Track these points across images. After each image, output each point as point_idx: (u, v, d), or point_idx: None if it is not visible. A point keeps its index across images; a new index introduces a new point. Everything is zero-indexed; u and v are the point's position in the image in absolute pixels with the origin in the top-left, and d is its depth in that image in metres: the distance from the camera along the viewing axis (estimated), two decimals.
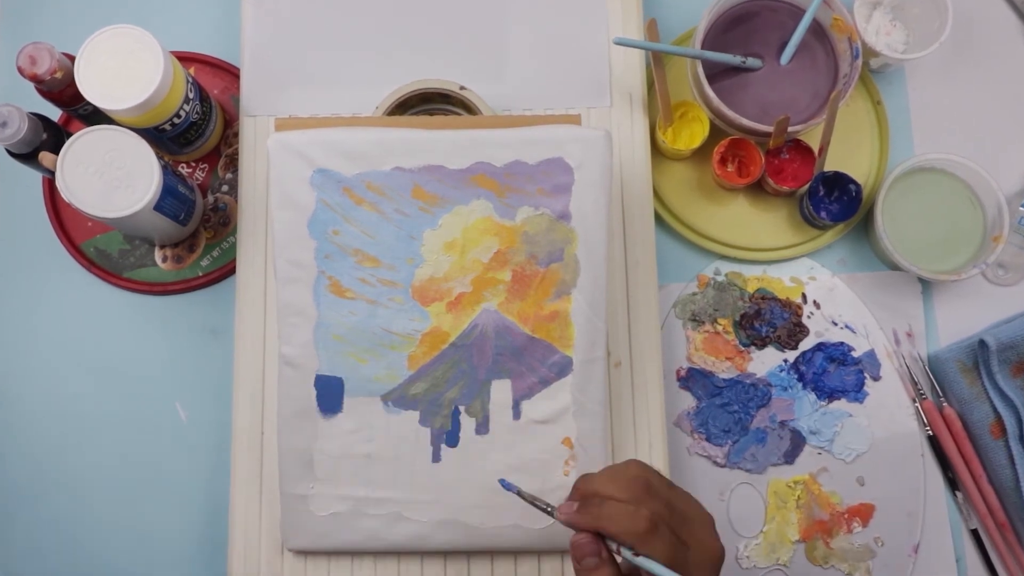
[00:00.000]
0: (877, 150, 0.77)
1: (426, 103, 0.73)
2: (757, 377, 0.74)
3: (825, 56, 0.74)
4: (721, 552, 0.51)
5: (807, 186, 0.73)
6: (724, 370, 0.74)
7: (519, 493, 0.56)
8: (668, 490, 0.51)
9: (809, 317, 0.75)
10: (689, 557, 0.49)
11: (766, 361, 0.74)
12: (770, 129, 0.70)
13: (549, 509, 0.54)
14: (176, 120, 0.69)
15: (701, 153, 0.75)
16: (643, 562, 0.48)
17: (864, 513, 0.73)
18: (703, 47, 0.72)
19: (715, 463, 0.73)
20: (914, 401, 0.74)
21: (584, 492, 0.52)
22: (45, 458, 0.74)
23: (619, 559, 0.51)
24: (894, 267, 0.75)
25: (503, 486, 0.56)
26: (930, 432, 0.74)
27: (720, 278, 0.76)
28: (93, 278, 0.76)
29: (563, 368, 0.64)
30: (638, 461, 0.52)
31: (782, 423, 0.73)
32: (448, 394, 0.64)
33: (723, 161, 0.73)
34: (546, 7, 0.74)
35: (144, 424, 0.74)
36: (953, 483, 0.73)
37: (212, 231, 0.76)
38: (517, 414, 0.64)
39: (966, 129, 0.78)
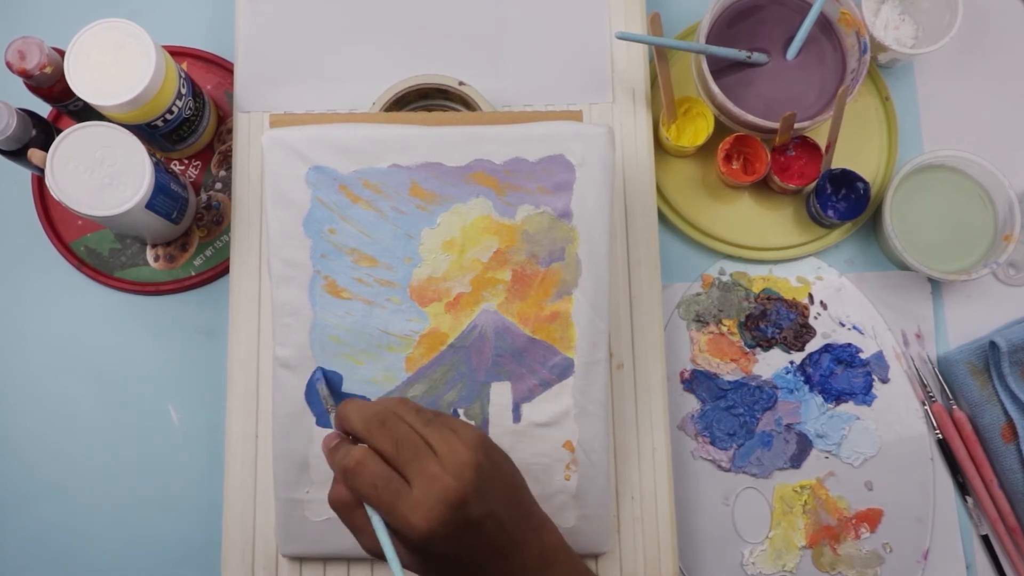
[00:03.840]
0: (885, 147, 0.77)
1: (424, 99, 0.73)
2: (763, 379, 0.74)
3: (832, 51, 0.74)
4: (453, 489, 0.48)
5: (814, 184, 0.73)
6: (729, 372, 0.74)
7: (318, 387, 0.60)
8: (407, 427, 0.50)
9: (816, 318, 0.75)
10: (406, 495, 0.48)
11: (772, 363, 0.74)
12: (776, 126, 0.70)
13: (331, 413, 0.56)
14: (168, 116, 0.69)
15: (705, 150, 0.75)
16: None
17: (872, 518, 0.72)
18: (708, 41, 0.72)
19: (720, 467, 0.73)
20: (923, 404, 0.74)
21: (338, 418, 0.53)
22: (35, 461, 0.74)
23: None
24: (903, 267, 0.75)
25: (313, 380, 0.60)
26: (940, 435, 0.74)
27: (725, 278, 0.75)
28: (83, 278, 0.76)
29: (564, 370, 0.64)
30: (400, 398, 0.54)
31: (788, 426, 0.73)
32: (447, 397, 0.64)
33: (728, 158, 0.73)
34: (547, 0, 0.74)
35: (136, 427, 0.74)
36: (963, 488, 0.73)
37: (205, 230, 0.76)
38: (517, 417, 0.64)
39: (977, 125, 0.78)
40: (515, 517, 0.51)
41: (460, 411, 0.64)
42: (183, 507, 0.72)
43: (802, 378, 0.74)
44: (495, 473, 0.51)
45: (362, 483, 0.49)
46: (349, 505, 0.51)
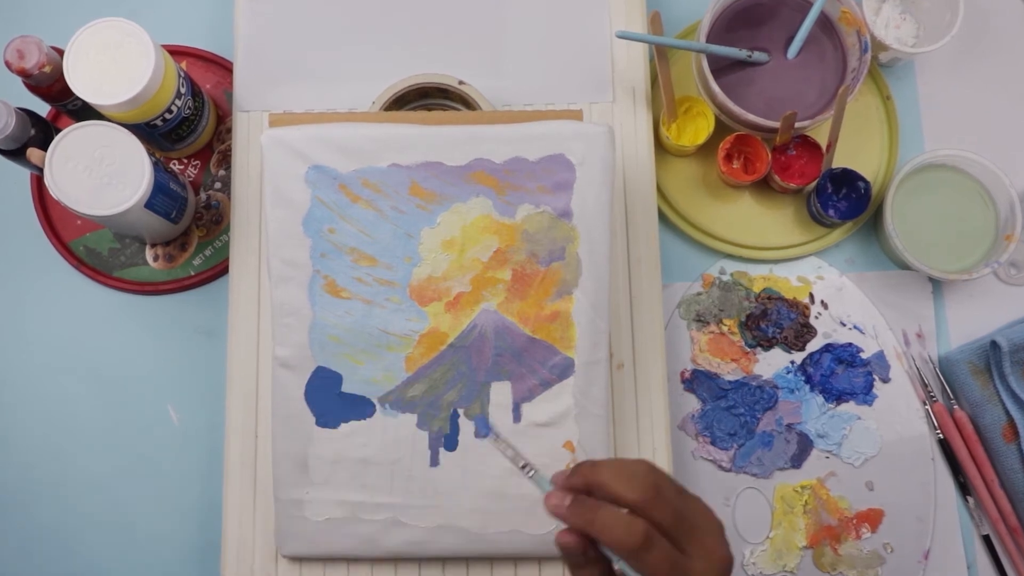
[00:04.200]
0: (886, 146, 0.77)
1: (424, 98, 0.73)
2: (763, 379, 0.74)
3: (833, 50, 0.74)
4: (729, 562, 0.49)
5: (815, 183, 0.73)
6: (729, 372, 0.74)
7: (495, 440, 0.55)
8: (677, 496, 0.49)
9: (817, 318, 0.74)
10: (691, 568, 0.47)
11: (772, 363, 0.74)
12: (777, 125, 0.70)
13: (531, 474, 0.52)
14: (167, 115, 0.69)
15: (706, 149, 0.75)
16: (627, 570, 0.47)
17: (873, 518, 0.72)
18: (708, 40, 0.71)
19: (720, 467, 0.73)
20: (924, 404, 0.74)
21: (587, 482, 0.49)
22: (34, 461, 0.74)
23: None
24: (904, 266, 0.74)
25: (481, 429, 0.57)
26: (941, 435, 0.73)
27: (725, 277, 0.75)
28: (82, 277, 0.75)
29: (564, 370, 0.64)
30: (647, 461, 0.50)
31: (789, 426, 0.73)
32: (447, 396, 0.64)
33: (728, 158, 0.73)
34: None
35: (135, 427, 0.74)
36: (964, 488, 0.73)
37: (204, 229, 0.75)
38: (517, 417, 0.64)
39: (978, 125, 0.78)
40: None
41: (460, 411, 0.63)
42: (182, 507, 0.72)
43: (803, 378, 0.74)
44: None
45: (654, 562, 0.46)
46: (585, 554, 0.48)
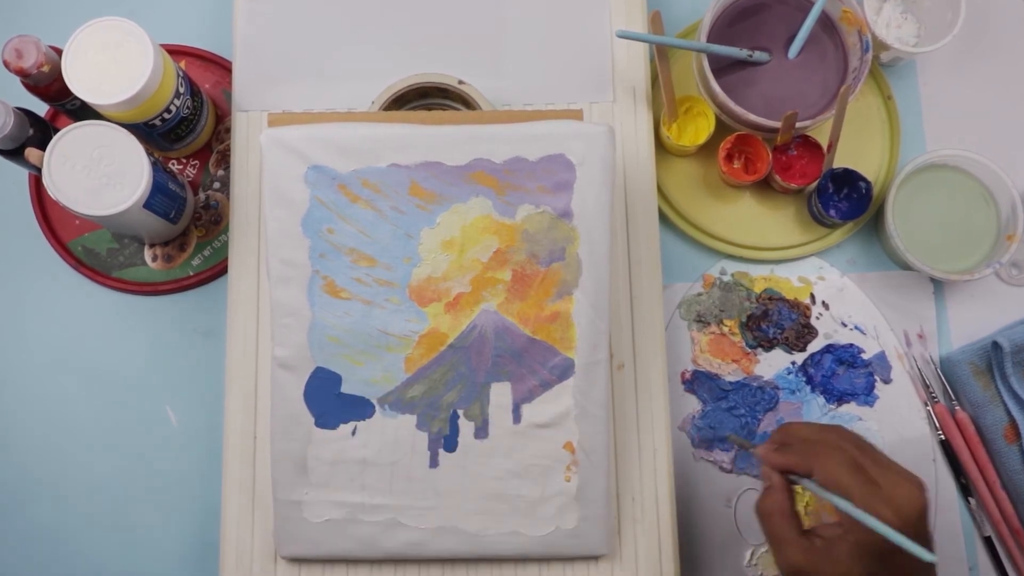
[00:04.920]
0: (888, 146, 0.76)
1: (424, 98, 0.73)
2: (764, 380, 0.73)
3: (834, 50, 0.73)
4: (921, 498, 0.52)
5: (816, 183, 0.73)
6: (730, 372, 0.73)
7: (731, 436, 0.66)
8: (867, 444, 0.55)
9: (818, 318, 0.74)
10: (879, 493, 0.51)
11: (773, 363, 0.74)
12: (778, 125, 0.70)
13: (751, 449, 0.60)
14: (166, 115, 0.68)
15: (707, 149, 0.75)
16: (821, 493, 0.53)
17: None
18: (709, 40, 0.71)
19: (721, 468, 0.72)
20: (926, 404, 0.74)
21: (785, 438, 0.57)
22: (32, 462, 0.73)
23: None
24: (905, 267, 0.74)
25: (720, 433, 0.69)
26: (942, 436, 0.73)
27: (726, 278, 0.75)
28: (81, 278, 0.75)
29: (564, 370, 0.63)
30: (836, 426, 0.57)
31: None
32: (446, 397, 0.63)
33: (729, 158, 0.73)
34: None
35: (133, 428, 0.74)
36: (966, 489, 0.73)
37: (203, 229, 0.75)
38: (517, 418, 0.64)
39: (979, 125, 0.78)
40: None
41: (460, 412, 0.63)
42: (181, 508, 0.72)
43: (804, 379, 0.73)
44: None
45: (839, 466, 0.52)
46: (786, 512, 0.54)
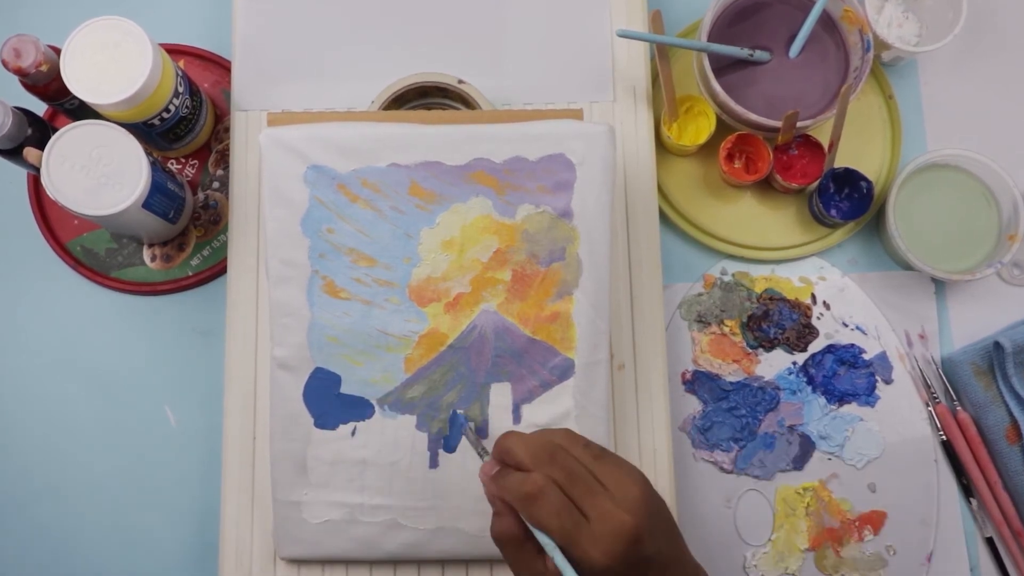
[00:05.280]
0: (889, 146, 0.76)
1: (423, 97, 0.72)
2: (765, 380, 0.73)
3: (835, 49, 0.73)
4: (630, 529, 0.48)
5: (817, 183, 0.73)
6: (731, 373, 0.73)
7: (465, 432, 0.60)
8: (584, 460, 0.50)
9: (819, 318, 0.74)
10: (585, 527, 0.48)
11: (774, 364, 0.74)
12: (778, 124, 0.70)
13: (485, 459, 0.55)
14: (165, 115, 0.68)
15: (707, 149, 0.75)
16: (535, 531, 0.49)
17: (876, 521, 0.72)
18: (709, 39, 0.71)
19: (722, 469, 0.72)
20: (927, 405, 0.73)
21: (499, 448, 0.53)
22: (31, 462, 0.73)
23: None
24: (907, 267, 0.74)
25: (458, 420, 0.61)
26: (944, 437, 0.73)
27: (727, 278, 0.75)
28: (79, 278, 0.75)
29: (565, 371, 0.63)
30: (565, 430, 0.53)
31: (791, 428, 0.73)
32: (446, 398, 0.63)
33: (730, 157, 0.73)
34: None
35: (132, 428, 0.73)
36: (967, 490, 0.73)
37: (202, 229, 0.75)
38: (517, 418, 0.63)
39: (981, 124, 0.78)
40: (675, 559, 0.51)
41: (460, 412, 0.63)
42: (180, 509, 0.72)
43: (805, 379, 0.73)
44: (660, 513, 0.51)
45: (545, 511, 0.48)
46: (518, 539, 0.50)
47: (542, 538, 0.49)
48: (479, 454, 0.58)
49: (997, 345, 0.71)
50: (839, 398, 0.73)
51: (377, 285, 0.63)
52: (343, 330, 0.63)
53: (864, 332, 0.74)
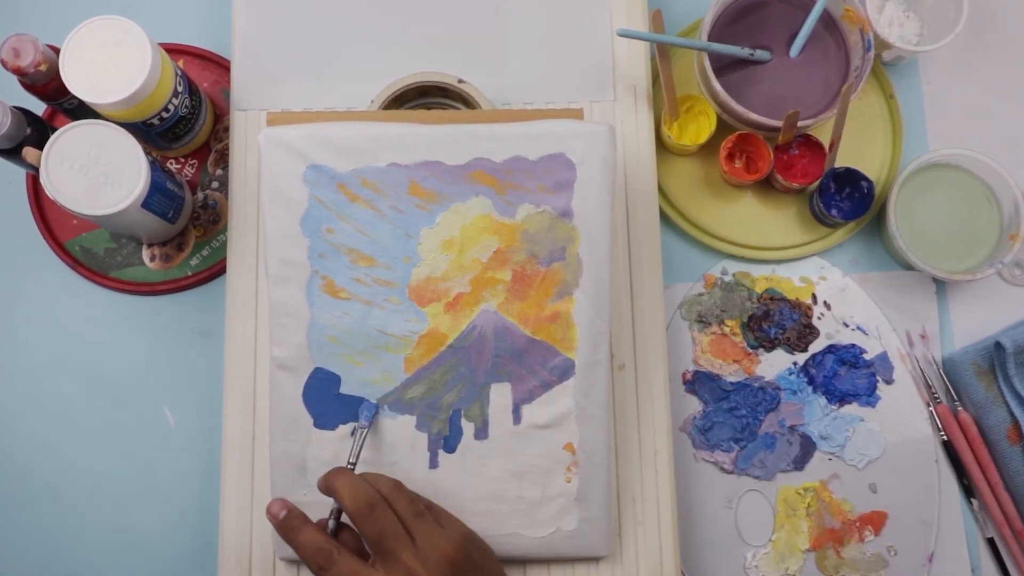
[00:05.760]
0: (890, 145, 0.76)
1: (423, 97, 0.72)
2: (765, 380, 0.73)
3: (836, 48, 0.73)
4: (453, 557, 0.53)
5: (817, 183, 0.73)
6: (731, 373, 0.73)
7: (355, 432, 0.62)
8: (399, 512, 0.55)
9: (819, 318, 0.74)
10: (409, 546, 0.54)
11: (775, 364, 0.73)
12: (779, 124, 0.70)
13: (350, 464, 0.59)
14: (164, 114, 0.68)
15: (708, 148, 0.74)
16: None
17: (877, 521, 0.72)
18: (710, 39, 0.71)
19: (722, 469, 0.72)
20: (928, 405, 0.73)
21: (326, 485, 0.57)
22: (30, 463, 0.73)
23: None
24: (907, 267, 0.74)
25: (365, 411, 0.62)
26: (945, 437, 0.73)
27: (727, 278, 0.75)
28: (78, 278, 0.75)
29: (565, 371, 0.63)
30: (396, 483, 0.57)
31: (791, 428, 0.72)
32: (446, 398, 0.63)
33: (730, 157, 0.73)
34: None
35: (131, 429, 0.73)
36: (968, 490, 0.72)
37: (202, 229, 0.75)
38: (517, 419, 0.63)
39: (982, 124, 0.78)
40: None
41: (460, 412, 0.63)
42: (179, 509, 0.72)
43: (805, 379, 0.73)
44: (472, 573, 0.54)
45: (376, 525, 0.54)
46: (319, 546, 0.55)
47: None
48: (352, 455, 0.60)
49: (998, 345, 0.71)
50: (840, 398, 0.73)
51: (377, 285, 0.63)
52: (343, 330, 0.62)
53: (865, 332, 0.74)
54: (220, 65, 0.77)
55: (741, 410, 0.72)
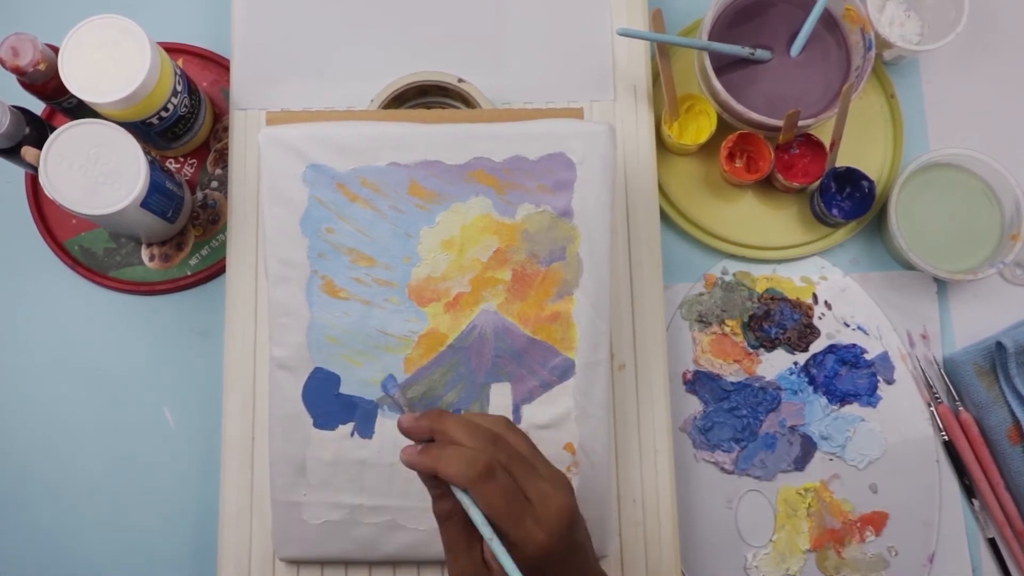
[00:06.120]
0: (891, 145, 0.76)
1: (423, 96, 0.72)
2: (766, 380, 0.73)
3: (837, 48, 0.73)
4: (570, 509, 0.50)
5: (818, 182, 0.73)
6: (732, 373, 0.73)
7: (394, 398, 0.61)
8: (521, 448, 0.51)
9: (820, 318, 0.74)
10: (529, 510, 0.49)
11: (775, 364, 0.73)
12: (780, 123, 0.70)
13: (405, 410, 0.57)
14: (164, 114, 0.68)
15: (708, 148, 0.74)
16: (467, 505, 0.49)
17: (877, 521, 0.72)
18: (710, 38, 0.71)
19: (723, 470, 0.72)
20: (929, 405, 0.73)
21: (432, 428, 0.52)
22: (29, 463, 0.73)
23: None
24: (908, 266, 0.74)
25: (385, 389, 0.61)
26: (946, 437, 0.73)
27: (728, 278, 0.74)
28: (78, 277, 0.75)
29: (565, 371, 0.63)
30: (504, 418, 0.53)
31: (792, 428, 0.72)
32: (446, 398, 0.63)
33: (731, 156, 0.72)
34: None
35: (131, 429, 0.73)
36: (969, 490, 0.72)
37: (201, 229, 0.75)
38: (517, 419, 0.63)
39: (983, 123, 0.78)
40: (590, 549, 0.53)
41: (460, 412, 0.63)
42: (178, 510, 0.72)
43: (806, 379, 0.73)
44: (580, 522, 0.52)
45: (494, 490, 0.48)
46: (463, 518, 0.50)
47: (480, 524, 0.49)
48: (403, 409, 0.58)
49: (999, 345, 0.71)
50: (840, 398, 0.73)
51: (376, 285, 0.63)
52: (342, 330, 0.62)
53: (866, 332, 0.74)
54: (219, 64, 0.77)
55: (742, 410, 0.72)
